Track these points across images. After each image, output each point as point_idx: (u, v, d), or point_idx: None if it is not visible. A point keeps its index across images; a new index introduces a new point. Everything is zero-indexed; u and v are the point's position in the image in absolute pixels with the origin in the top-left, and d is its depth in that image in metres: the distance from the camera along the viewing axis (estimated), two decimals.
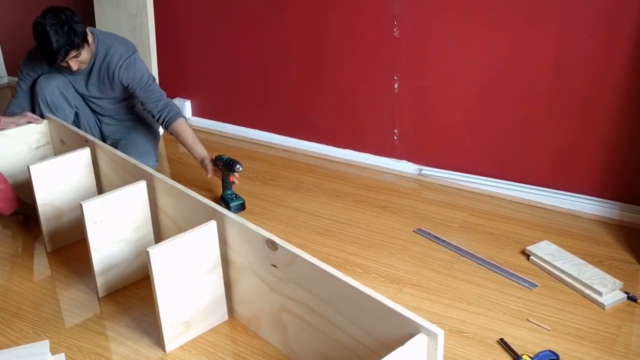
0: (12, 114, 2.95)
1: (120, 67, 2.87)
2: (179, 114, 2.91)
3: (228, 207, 2.75)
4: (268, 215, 2.74)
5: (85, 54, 2.77)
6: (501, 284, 2.20)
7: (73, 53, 2.69)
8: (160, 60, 3.70)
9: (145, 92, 2.92)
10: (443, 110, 2.89)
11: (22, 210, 2.68)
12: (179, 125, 2.88)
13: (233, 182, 2.80)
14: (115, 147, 3.00)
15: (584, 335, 1.95)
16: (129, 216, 2.22)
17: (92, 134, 3.13)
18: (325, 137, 3.32)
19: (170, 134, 2.95)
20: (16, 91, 3.09)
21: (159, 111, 2.90)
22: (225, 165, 2.75)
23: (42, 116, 2.93)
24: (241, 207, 2.80)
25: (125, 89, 2.95)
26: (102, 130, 3.20)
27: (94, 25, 3.74)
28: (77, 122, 3.10)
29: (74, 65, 2.76)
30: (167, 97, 3.02)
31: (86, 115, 3.12)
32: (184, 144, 2.92)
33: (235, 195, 2.83)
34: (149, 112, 2.95)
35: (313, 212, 2.75)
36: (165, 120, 2.89)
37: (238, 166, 2.72)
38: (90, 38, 2.81)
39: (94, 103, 3.08)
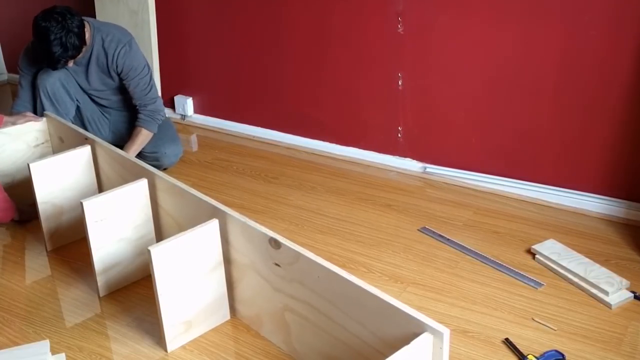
0: (15, 114, 2.93)
1: (119, 53, 2.91)
2: (150, 125, 2.98)
3: None
4: (271, 213, 2.73)
5: (82, 53, 2.83)
6: (506, 283, 2.19)
7: (73, 59, 2.80)
8: (162, 57, 3.68)
9: (137, 83, 2.97)
10: (447, 108, 2.87)
11: (21, 218, 2.67)
12: (139, 132, 2.96)
13: None
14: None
15: (590, 335, 1.93)
16: (130, 215, 2.20)
17: (99, 130, 3.12)
18: (329, 134, 3.30)
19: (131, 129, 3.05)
20: (18, 90, 3.07)
21: (140, 107, 2.99)
22: None
23: (43, 109, 2.92)
24: None
25: (119, 76, 2.98)
26: (111, 126, 3.18)
27: None
28: (79, 117, 3.09)
29: (71, 64, 2.86)
30: (161, 96, 3.03)
31: (90, 110, 3.10)
32: (128, 140, 2.99)
33: None
34: (133, 100, 3.01)
35: (316, 211, 2.73)
36: (138, 119, 2.98)
37: None
38: (87, 33, 2.83)
39: (98, 97, 3.07)
